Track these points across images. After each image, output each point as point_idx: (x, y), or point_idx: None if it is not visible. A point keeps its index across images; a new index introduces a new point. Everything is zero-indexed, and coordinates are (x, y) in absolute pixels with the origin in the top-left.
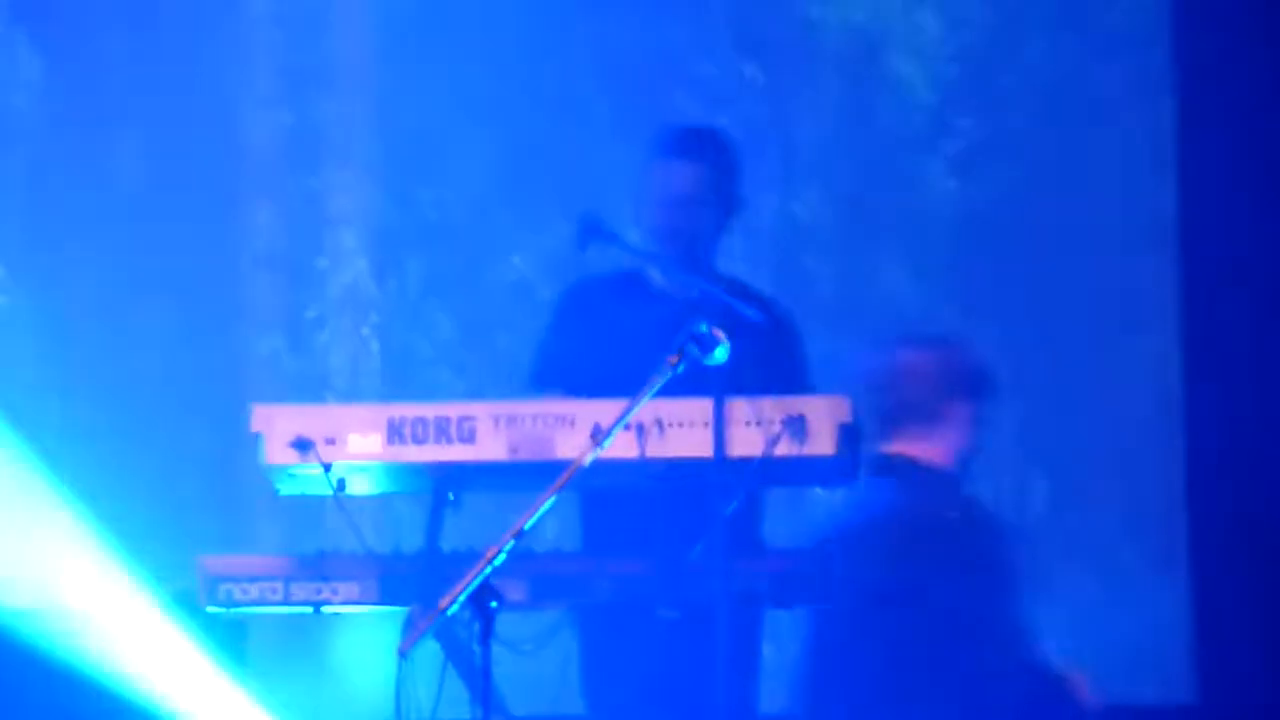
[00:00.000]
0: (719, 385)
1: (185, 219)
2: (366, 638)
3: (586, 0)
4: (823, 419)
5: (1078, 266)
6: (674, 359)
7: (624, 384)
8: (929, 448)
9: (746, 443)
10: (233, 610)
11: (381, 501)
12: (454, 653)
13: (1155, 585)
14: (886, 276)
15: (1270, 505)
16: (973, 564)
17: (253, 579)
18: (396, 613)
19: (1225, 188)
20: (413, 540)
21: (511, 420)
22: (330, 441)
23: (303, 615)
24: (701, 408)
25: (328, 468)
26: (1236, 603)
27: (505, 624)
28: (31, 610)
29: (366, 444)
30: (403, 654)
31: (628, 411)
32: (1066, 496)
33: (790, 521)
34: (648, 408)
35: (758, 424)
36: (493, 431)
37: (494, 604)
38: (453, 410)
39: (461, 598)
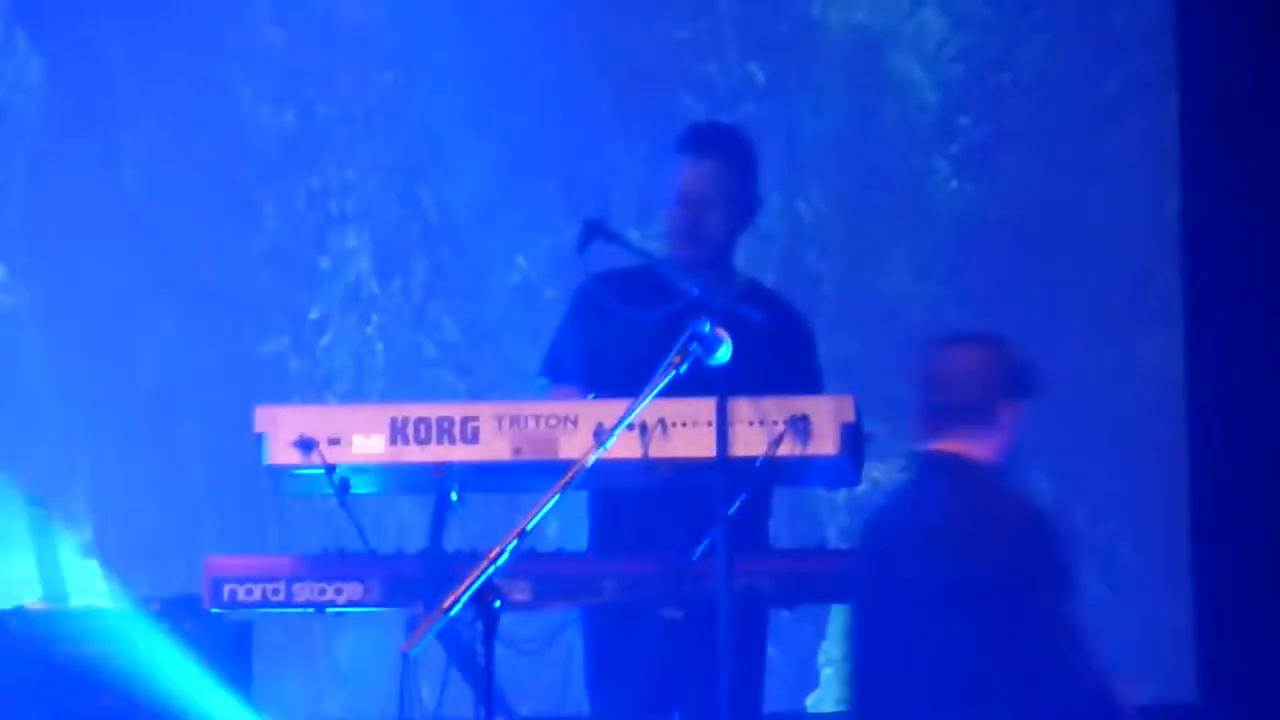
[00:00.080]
0: (722, 385)
1: (188, 219)
2: (370, 638)
3: (591, 1)
4: (826, 419)
5: (1081, 266)
6: (677, 359)
7: (638, 380)
8: (978, 445)
9: (750, 442)
10: (236, 611)
11: (385, 502)
12: (457, 653)
13: (1155, 585)
14: (890, 276)
15: (1272, 505)
16: (1034, 563)
17: (256, 580)
18: (400, 613)
19: (1229, 187)
20: (416, 541)
21: (515, 420)
22: (334, 442)
23: (306, 616)
24: (705, 408)
25: (331, 468)
26: (1237, 603)
27: (508, 624)
28: (31, 610)
29: (370, 444)
30: (406, 654)
31: (631, 411)
32: (1067, 496)
33: (792, 522)
34: (651, 408)
35: (761, 424)
36: (496, 432)
37: (497, 604)
38: (456, 410)
39: (465, 598)
